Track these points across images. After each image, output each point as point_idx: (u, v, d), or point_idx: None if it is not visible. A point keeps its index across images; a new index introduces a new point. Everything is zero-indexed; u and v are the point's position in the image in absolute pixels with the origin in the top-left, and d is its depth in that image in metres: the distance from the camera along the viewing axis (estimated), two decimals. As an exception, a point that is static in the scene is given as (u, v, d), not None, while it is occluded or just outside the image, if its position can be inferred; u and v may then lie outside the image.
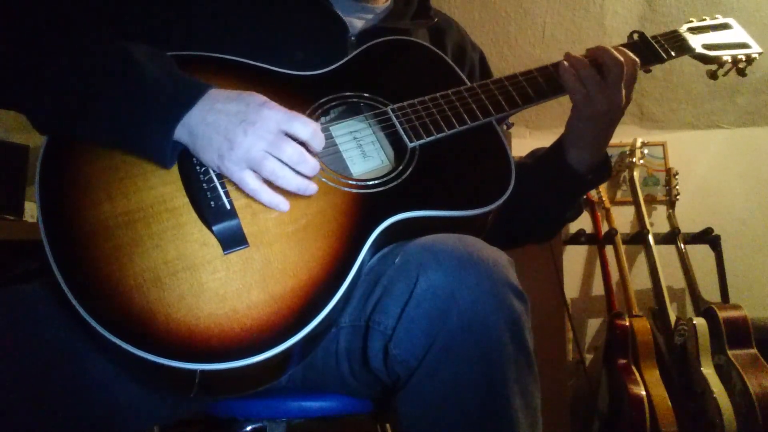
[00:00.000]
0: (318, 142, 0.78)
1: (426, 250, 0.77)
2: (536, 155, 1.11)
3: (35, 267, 0.75)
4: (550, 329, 2.19)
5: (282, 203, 0.79)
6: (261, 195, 0.78)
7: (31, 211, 2.04)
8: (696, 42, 1.16)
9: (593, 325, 2.83)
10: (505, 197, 0.88)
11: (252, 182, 0.76)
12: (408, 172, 0.88)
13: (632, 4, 2.59)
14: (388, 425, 1.14)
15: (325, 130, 0.92)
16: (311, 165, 0.77)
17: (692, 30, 1.18)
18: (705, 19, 1.21)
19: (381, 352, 0.79)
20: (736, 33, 1.21)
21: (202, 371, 0.68)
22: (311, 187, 0.79)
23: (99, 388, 0.76)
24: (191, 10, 0.95)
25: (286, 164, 0.76)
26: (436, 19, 1.15)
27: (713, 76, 1.19)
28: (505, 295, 0.74)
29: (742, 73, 1.18)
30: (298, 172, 0.77)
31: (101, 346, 0.71)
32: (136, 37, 0.90)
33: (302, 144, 0.78)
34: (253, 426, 0.97)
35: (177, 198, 0.78)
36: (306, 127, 0.77)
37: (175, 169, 0.80)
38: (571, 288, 2.84)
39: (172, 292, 0.72)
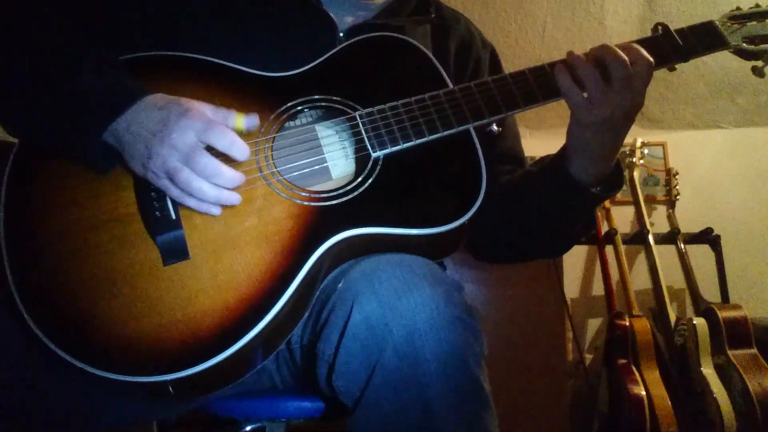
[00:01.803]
0: (238, 151, 0.76)
1: (363, 277, 0.75)
2: (542, 163, 1.02)
3: None
4: (550, 329, 2.18)
5: (211, 208, 0.77)
6: (186, 201, 0.76)
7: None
8: (736, 34, 1.00)
9: (593, 325, 2.83)
10: (462, 220, 0.82)
11: (174, 189, 0.76)
12: (366, 185, 0.83)
13: (632, 4, 2.59)
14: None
15: (311, 129, 0.89)
16: (227, 177, 0.75)
17: (735, 19, 1.02)
18: (758, 6, 1.03)
19: (325, 381, 0.78)
20: None
21: (144, 382, 0.69)
22: (230, 198, 0.77)
23: (68, 384, 0.76)
24: (176, 8, 0.95)
25: (201, 177, 0.75)
26: (433, 15, 1.08)
27: (760, 73, 1.02)
28: (442, 325, 0.71)
29: None
30: (216, 185, 0.76)
31: (44, 351, 0.71)
32: (119, 34, 0.91)
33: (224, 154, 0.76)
34: (253, 426, 0.97)
35: (128, 206, 0.78)
36: (223, 139, 0.75)
37: (130, 176, 0.80)
38: (571, 288, 2.84)
39: (108, 303, 0.72)
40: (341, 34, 0.99)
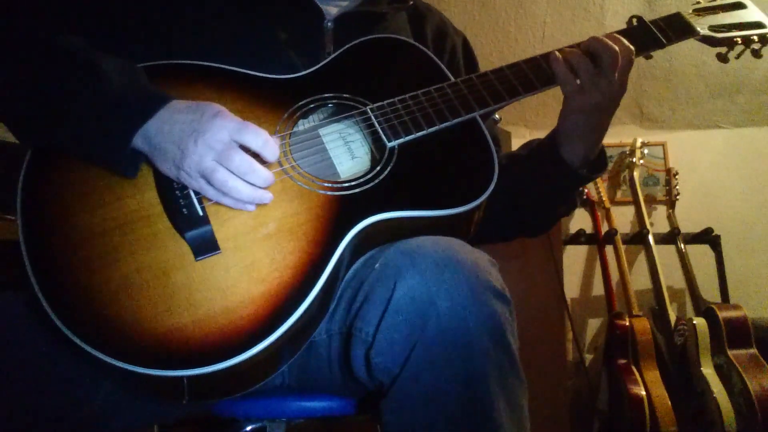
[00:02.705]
0: (270, 151, 0.78)
1: (404, 254, 0.77)
2: (530, 146, 1.08)
3: (16, 274, 0.76)
4: (550, 329, 2.19)
5: (247, 205, 0.79)
6: (224, 200, 0.78)
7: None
8: (702, 24, 1.10)
9: (593, 325, 2.83)
10: (482, 198, 0.86)
11: (210, 189, 0.77)
12: (385, 173, 0.86)
13: (632, 4, 2.59)
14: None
15: (313, 130, 0.92)
16: (262, 176, 0.77)
17: (699, 11, 1.12)
18: (714, 0, 1.15)
19: (363, 359, 0.78)
20: (750, 12, 1.14)
21: (177, 377, 0.69)
22: (264, 197, 0.79)
23: (74, 390, 0.76)
24: (169, 16, 0.96)
25: (237, 175, 0.76)
26: (411, 2, 1.15)
27: (723, 59, 1.13)
28: (484, 297, 0.73)
29: (756, 54, 1.12)
30: (250, 183, 0.77)
31: (77, 353, 0.71)
32: (116, 42, 0.92)
33: (256, 154, 0.78)
34: (253, 426, 0.97)
35: (153, 206, 0.79)
36: (257, 138, 0.77)
37: (151, 177, 0.81)
38: (571, 288, 2.84)
39: (144, 300, 0.72)
40: (329, 24, 1.03)
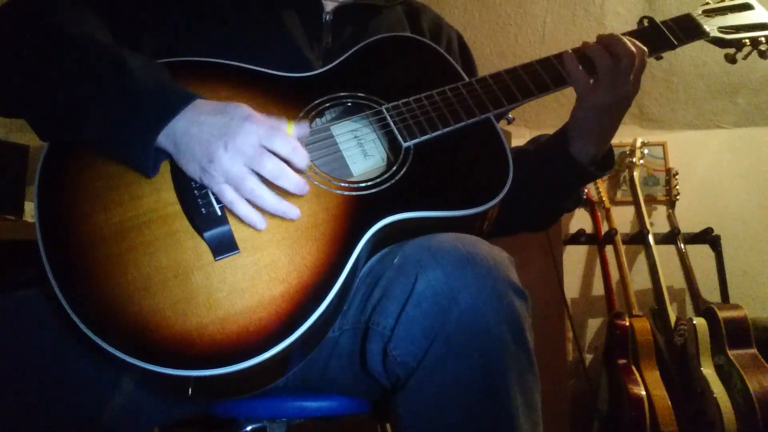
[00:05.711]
0: (299, 158, 0.77)
1: (424, 249, 0.77)
2: (538, 142, 1.09)
3: (33, 275, 0.76)
4: (550, 329, 2.19)
5: (258, 221, 0.77)
6: (237, 207, 0.76)
7: (31, 211, 2.04)
8: (711, 25, 1.11)
9: (593, 325, 2.83)
10: (498, 198, 0.86)
11: (229, 194, 0.76)
12: (402, 173, 0.87)
13: (632, 4, 2.59)
14: (388, 425, 1.14)
15: (326, 129, 0.92)
16: (292, 181, 0.77)
17: (708, 12, 1.13)
18: (723, 0, 1.16)
19: (380, 353, 0.78)
20: (758, 13, 1.15)
21: (195, 377, 0.69)
22: (291, 212, 0.78)
23: (91, 392, 0.76)
24: (175, 14, 0.97)
25: (267, 179, 0.76)
26: None
27: (732, 60, 1.14)
28: (505, 293, 0.74)
29: (763, 55, 1.12)
30: (279, 189, 0.77)
31: (97, 353, 0.71)
32: (124, 40, 0.91)
33: (285, 160, 0.77)
34: (253, 426, 0.97)
35: (170, 205, 0.79)
36: (287, 144, 0.76)
37: (168, 176, 0.80)
38: (571, 288, 2.84)
39: (164, 300, 0.72)
40: (328, 17, 1.04)
